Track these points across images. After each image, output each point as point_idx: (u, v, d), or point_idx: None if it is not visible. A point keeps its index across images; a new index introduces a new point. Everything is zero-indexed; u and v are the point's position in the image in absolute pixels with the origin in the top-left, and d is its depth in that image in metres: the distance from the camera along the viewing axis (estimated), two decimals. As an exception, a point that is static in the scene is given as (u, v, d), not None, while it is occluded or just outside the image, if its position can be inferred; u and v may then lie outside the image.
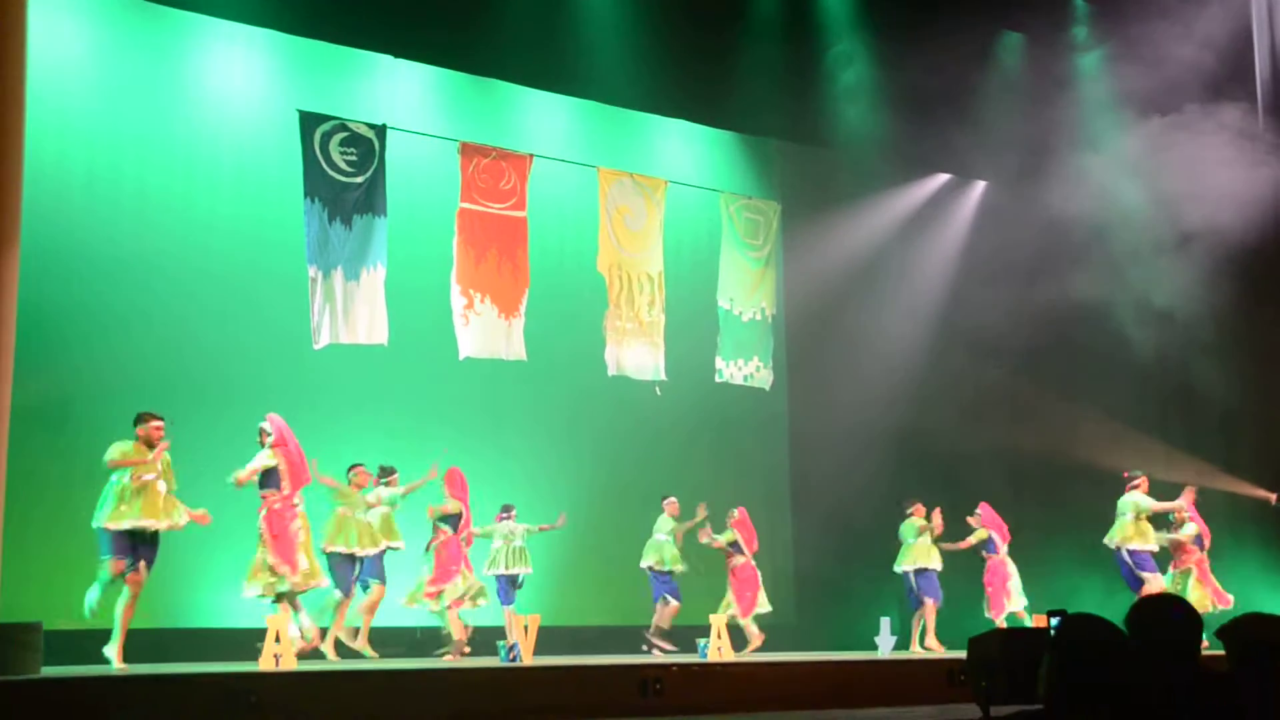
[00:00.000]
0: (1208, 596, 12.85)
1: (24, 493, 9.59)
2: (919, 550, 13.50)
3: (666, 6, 13.75)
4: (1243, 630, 3.73)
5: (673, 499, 13.21)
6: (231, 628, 11.24)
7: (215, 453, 10.88)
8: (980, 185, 16.65)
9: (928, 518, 13.62)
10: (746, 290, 14.49)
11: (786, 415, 16.14)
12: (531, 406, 14.02)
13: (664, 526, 13.08)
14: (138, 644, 9.62)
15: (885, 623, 12.80)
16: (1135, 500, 13.00)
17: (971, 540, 13.65)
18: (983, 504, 13.81)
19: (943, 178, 16.58)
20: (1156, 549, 12.93)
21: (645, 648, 12.62)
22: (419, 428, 13.15)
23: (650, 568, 12.98)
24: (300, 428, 10.50)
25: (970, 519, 13.72)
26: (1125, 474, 13.26)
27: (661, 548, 12.98)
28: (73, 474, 11.08)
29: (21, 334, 8.08)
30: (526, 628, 10.57)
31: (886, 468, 15.18)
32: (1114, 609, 3.60)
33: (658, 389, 13.68)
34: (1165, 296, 14.18)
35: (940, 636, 13.38)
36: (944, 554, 13.53)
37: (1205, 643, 3.64)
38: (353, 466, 11.37)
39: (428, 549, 11.33)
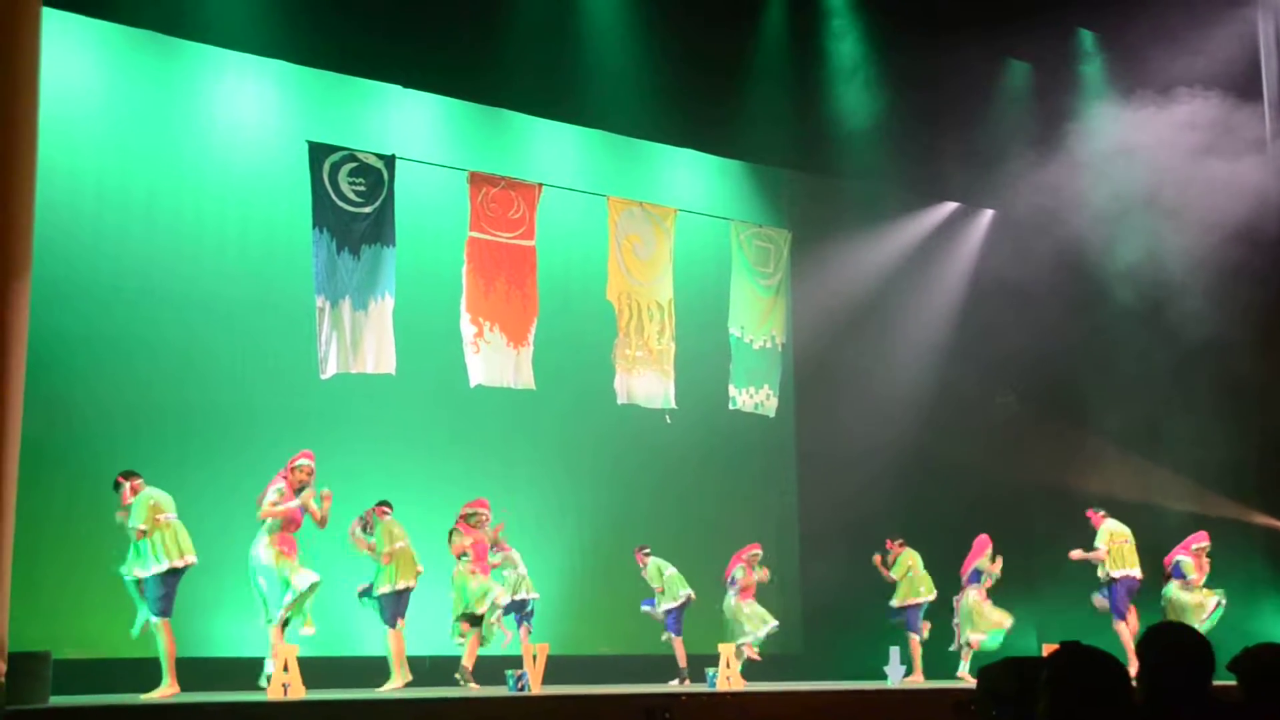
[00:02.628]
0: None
1: (33, 522, 9.59)
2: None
3: (675, 37, 13.80)
4: (1256, 661, 3.71)
5: (641, 554, 13.11)
6: (245, 657, 11.21)
7: (222, 481, 10.88)
8: (988, 214, 16.65)
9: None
10: (757, 318, 14.50)
11: (795, 443, 16.12)
12: (540, 435, 14.02)
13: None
14: (152, 673, 9.60)
15: (894, 652, 12.74)
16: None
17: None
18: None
19: (950, 206, 16.59)
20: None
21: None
22: (427, 456, 13.15)
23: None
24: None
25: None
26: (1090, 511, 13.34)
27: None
28: (81, 503, 11.10)
29: (32, 363, 8.10)
30: (535, 657, 10.54)
31: (895, 496, 15.14)
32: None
33: (668, 417, 13.67)
34: (1177, 322, 14.15)
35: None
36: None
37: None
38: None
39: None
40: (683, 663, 12.80)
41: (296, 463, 10.02)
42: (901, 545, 13.78)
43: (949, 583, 13.68)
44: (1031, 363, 15.55)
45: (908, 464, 15.39)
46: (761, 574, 13.28)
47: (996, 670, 4.12)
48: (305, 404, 12.33)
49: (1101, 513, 13.29)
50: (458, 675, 11.21)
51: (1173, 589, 12.98)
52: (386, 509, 11.33)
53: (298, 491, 9.92)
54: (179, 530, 9.63)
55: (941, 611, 13.67)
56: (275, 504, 9.87)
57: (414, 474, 12.87)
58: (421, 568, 11.19)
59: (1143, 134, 14.20)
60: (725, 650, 11.75)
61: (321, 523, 10.09)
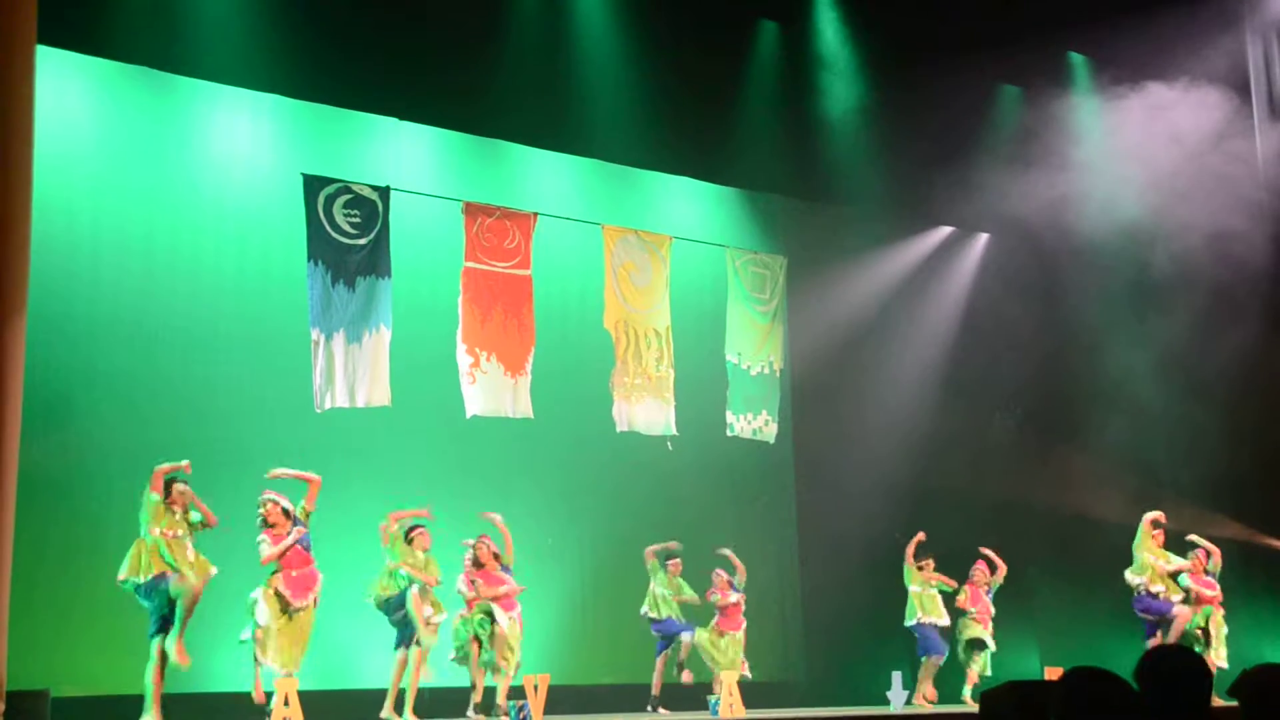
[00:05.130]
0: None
1: (30, 558, 9.56)
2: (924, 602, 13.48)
3: (669, 65, 13.86)
4: (1257, 682, 3.70)
5: (677, 560, 13.06)
6: (246, 692, 11.15)
7: (219, 515, 10.83)
8: (983, 238, 16.70)
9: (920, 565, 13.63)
10: (754, 344, 14.51)
11: (794, 469, 16.09)
12: (540, 465, 13.99)
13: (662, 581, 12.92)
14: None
15: (897, 677, 12.71)
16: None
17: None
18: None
19: (945, 231, 16.63)
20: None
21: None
22: (425, 489, 13.10)
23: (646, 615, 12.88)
24: (305, 490, 10.48)
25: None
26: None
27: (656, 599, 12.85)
28: (78, 539, 11.07)
29: (29, 400, 8.09)
30: (537, 687, 10.51)
31: (895, 520, 15.10)
32: (1125, 660, 3.58)
33: (669, 444, 13.66)
34: (1174, 342, 14.17)
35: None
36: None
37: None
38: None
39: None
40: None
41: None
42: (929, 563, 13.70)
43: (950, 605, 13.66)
44: (1028, 385, 15.56)
45: (907, 487, 15.35)
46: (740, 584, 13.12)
47: (999, 694, 4.11)
48: (301, 438, 12.29)
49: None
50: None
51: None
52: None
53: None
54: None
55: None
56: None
57: (411, 507, 12.80)
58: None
59: (1135, 155, 14.27)
60: (727, 678, 11.71)
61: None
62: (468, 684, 11.50)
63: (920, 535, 13.59)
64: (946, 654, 13.44)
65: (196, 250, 12.48)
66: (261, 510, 10.20)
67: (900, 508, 15.22)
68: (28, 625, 10.04)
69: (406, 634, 10.82)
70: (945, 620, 13.51)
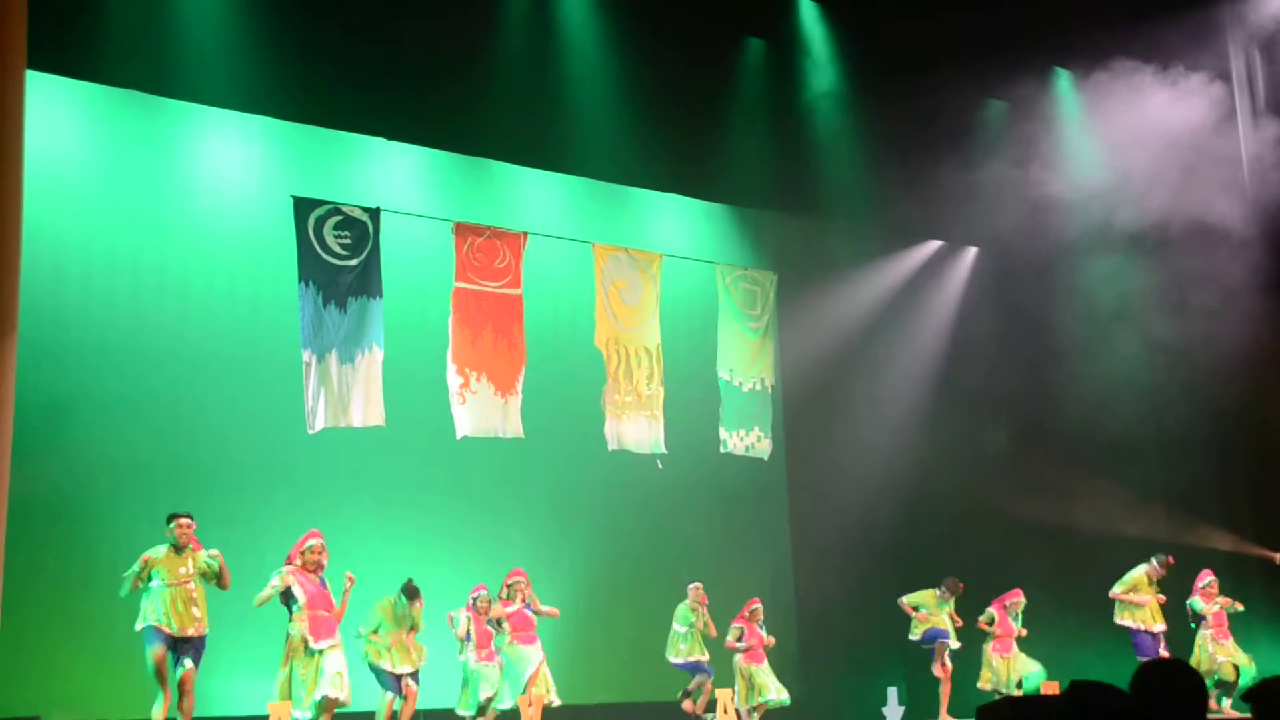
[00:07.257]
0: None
1: (21, 584, 9.52)
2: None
3: (657, 83, 13.89)
4: (1271, 693, 3.70)
5: (696, 585, 13.03)
6: (239, 716, 11.12)
7: (212, 538, 10.81)
8: (972, 251, 16.75)
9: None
10: (746, 361, 14.50)
11: (786, 485, 16.08)
12: (531, 484, 13.97)
13: (684, 618, 12.87)
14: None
15: (892, 693, 12.71)
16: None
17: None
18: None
19: (934, 244, 16.67)
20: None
21: None
22: (418, 508, 13.10)
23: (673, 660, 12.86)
24: (298, 511, 10.47)
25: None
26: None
27: (677, 639, 12.81)
28: (70, 564, 11.03)
29: (19, 424, 8.07)
30: (531, 705, 10.48)
31: (888, 534, 15.11)
32: (1119, 678, 3.58)
33: (659, 462, 13.64)
34: (1163, 351, 14.20)
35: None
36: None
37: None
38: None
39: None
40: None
41: (306, 544, 9.96)
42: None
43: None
44: (1020, 397, 15.58)
45: (900, 502, 15.37)
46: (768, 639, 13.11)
47: (996, 710, 4.11)
48: (294, 459, 12.28)
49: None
50: None
51: (1205, 642, 13.02)
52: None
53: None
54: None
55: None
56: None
57: (404, 527, 12.80)
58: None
59: (1122, 167, 14.31)
60: (722, 696, 11.69)
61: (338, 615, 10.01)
62: (462, 706, 11.46)
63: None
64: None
65: (187, 273, 12.46)
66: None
67: (893, 522, 15.23)
68: (19, 651, 10.01)
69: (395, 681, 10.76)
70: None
